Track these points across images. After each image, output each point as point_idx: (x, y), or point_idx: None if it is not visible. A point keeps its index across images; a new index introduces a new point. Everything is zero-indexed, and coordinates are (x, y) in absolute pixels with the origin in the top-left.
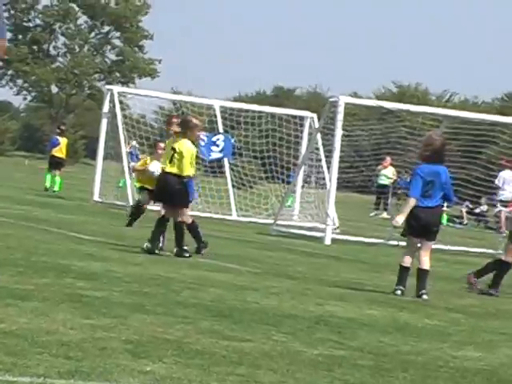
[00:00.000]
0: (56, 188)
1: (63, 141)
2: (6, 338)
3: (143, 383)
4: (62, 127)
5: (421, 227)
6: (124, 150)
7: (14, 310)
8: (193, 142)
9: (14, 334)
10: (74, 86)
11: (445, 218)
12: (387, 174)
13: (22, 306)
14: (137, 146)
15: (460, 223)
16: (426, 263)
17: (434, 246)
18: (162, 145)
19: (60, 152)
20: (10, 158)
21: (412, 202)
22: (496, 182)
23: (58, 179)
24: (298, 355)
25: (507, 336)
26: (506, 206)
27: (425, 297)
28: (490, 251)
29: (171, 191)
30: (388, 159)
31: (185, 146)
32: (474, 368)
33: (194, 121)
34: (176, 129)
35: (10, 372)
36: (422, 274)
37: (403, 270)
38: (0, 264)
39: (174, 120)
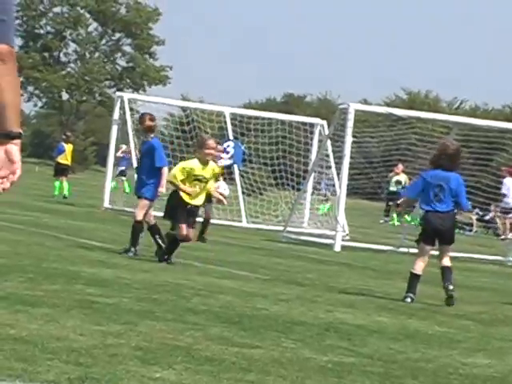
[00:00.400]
0: (65, 193)
1: (68, 147)
2: (16, 344)
3: None
4: (68, 133)
5: (433, 231)
6: (134, 157)
7: (24, 316)
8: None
9: (24, 340)
10: (85, 92)
11: None
12: (399, 181)
13: (32, 312)
14: (128, 149)
15: (470, 230)
16: (447, 261)
17: None
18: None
19: (65, 159)
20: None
21: (404, 200)
22: (503, 190)
23: (65, 184)
24: (308, 362)
25: None
26: (507, 213)
27: (450, 287)
28: (500, 258)
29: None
30: (400, 166)
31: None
32: (484, 375)
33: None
34: (149, 123)
35: (20, 378)
36: (445, 270)
37: (414, 278)
38: (10, 270)
39: (147, 117)
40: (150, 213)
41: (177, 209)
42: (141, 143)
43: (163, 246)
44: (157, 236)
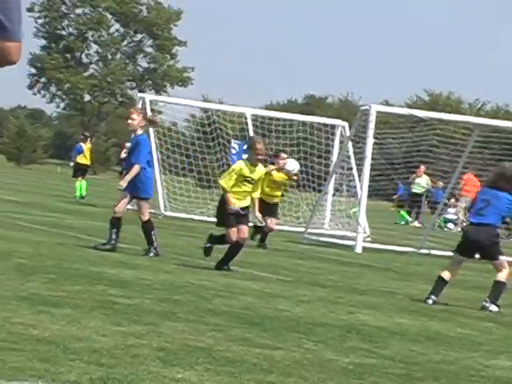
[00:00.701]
0: (83, 192)
1: (86, 147)
2: (38, 345)
3: None
4: (86, 133)
5: (468, 243)
6: (155, 157)
7: (46, 316)
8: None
9: (47, 340)
10: (107, 94)
11: None
12: (420, 183)
13: (54, 312)
14: None
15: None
16: (499, 276)
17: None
18: (283, 155)
19: (84, 159)
20: (42, 166)
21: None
22: None
23: (83, 183)
24: (329, 363)
25: None
26: None
27: (486, 304)
28: None
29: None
30: (422, 168)
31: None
32: (506, 377)
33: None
34: (135, 119)
35: (42, 378)
36: (495, 284)
37: (440, 281)
38: (32, 271)
39: (133, 111)
40: (124, 203)
41: (225, 214)
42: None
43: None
44: (113, 230)
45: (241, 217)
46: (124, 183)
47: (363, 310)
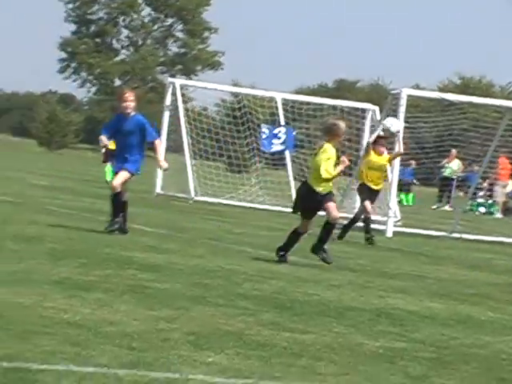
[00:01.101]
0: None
1: None
2: (69, 329)
3: (205, 374)
4: None
5: None
6: (186, 141)
7: (78, 300)
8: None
9: (78, 324)
10: (137, 79)
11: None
12: (452, 167)
13: (85, 296)
14: None
15: None
16: None
17: (494, 239)
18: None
19: (112, 144)
20: (73, 151)
21: None
22: None
23: (108, 167)
24: (360, 347)
25: None
26: None
27: None
28: None
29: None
30: (453, 152)
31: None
32: None
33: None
34: (133, 100)
35: (73, 362)
36: None
37: None
38: (63, 256)
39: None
40: (125, 187)
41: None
42: (119, 120)
43: (118, 220)
44: (121, 213)
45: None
46: (165, 163)
47: (393, 293)
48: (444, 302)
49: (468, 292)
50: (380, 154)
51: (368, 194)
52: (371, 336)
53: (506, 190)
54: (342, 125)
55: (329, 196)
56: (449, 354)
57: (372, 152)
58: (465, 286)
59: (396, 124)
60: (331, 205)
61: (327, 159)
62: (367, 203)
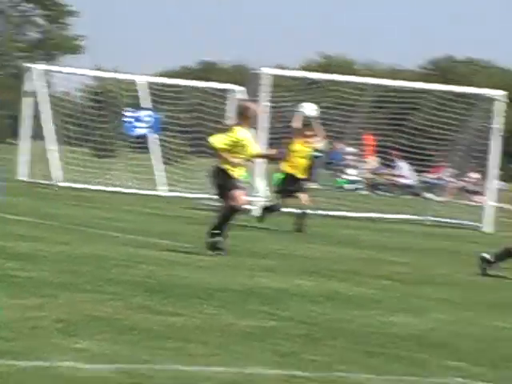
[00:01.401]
0: None
1: None
2: None
3: (75, 361)
4: None
5: None
6: (46, 128)
7: None
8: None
9: None
10: None
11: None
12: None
13: None
14: None
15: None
16: None
17: (361, 215)
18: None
19: None
20: None
21: None
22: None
23: None
24: (230, 327)
25: (437, 301)
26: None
27: None
28: (418, 217)
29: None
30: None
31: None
32: (405, 333)
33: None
34: None
35: None
36: None
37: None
38: None
39: None
40: None
41: None
42: None
43: None
44: None
45: None
46: None
47: (263, 273)
48: (313, 279)
49: (336, 268)
50: (304, 142)
51: (294, 184)
52: (241, 316)
53: (370, 166)
54: (253, 108)
55: (235, 182)
56: (318, 330)
57: (296, 141)
58: (333, 263)
59: (309, 108)
60: (236, 192)
61: (224, 137)
62: (303, 196)
